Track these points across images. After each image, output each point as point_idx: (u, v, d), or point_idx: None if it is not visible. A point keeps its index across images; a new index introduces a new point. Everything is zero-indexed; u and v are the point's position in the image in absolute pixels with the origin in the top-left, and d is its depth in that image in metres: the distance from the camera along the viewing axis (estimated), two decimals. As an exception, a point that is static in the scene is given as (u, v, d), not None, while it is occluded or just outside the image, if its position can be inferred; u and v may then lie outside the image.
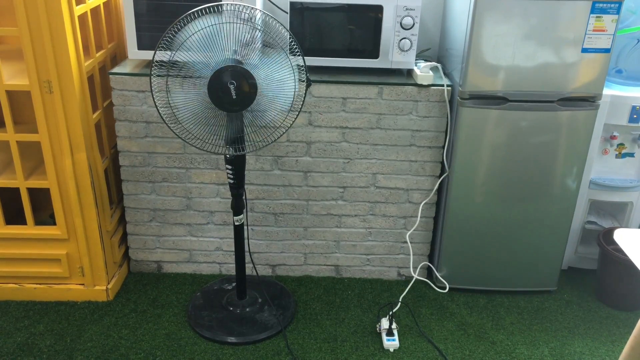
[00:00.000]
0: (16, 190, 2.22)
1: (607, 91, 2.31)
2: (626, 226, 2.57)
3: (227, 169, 2.04)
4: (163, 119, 1.88)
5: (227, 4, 1.78)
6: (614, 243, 2.36)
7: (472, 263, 2.44)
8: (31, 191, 2.22)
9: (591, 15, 2.05)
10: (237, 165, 2.03)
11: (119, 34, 2.47)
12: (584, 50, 2.10)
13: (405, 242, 2.50)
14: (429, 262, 2.56)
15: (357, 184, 2.39)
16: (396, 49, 2.22)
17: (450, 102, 2.25)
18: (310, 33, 2.21)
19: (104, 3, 2.31)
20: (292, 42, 1.84)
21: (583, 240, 2.63)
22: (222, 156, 2.33)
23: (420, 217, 2.44)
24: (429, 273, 2.57)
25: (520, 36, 2.07)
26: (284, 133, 2.06)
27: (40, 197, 2.49)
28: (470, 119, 2.20)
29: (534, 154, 2.24)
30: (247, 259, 2.50)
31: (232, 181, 2.06)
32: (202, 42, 1.78)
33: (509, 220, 2.35)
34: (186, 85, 1.83)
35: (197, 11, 1.76)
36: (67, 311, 2.29)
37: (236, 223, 2.15)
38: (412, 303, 2.41)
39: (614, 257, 2.36)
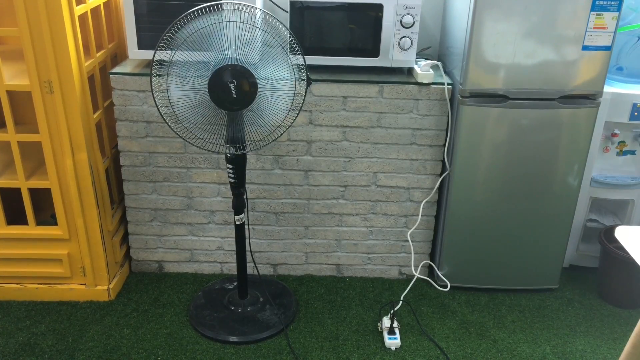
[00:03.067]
0: (17, 191, 2.22)
1: (607, 89, 2.31)
2: (627, 224, 2.57)
3: (227, 168, 2.04)
4: (164, 119, 1.88)
5: (227, 2, 1.78)
6: (615, 241, 2.36)
7: (473, 261, 2.44)
8: (32, 191, 2.22)
9: (592, 12, 2.05)
10: (237, 164, 2.03)
11: (120, 34, 2.47)
12: (585, 48, 2.10)
13: (407, 240, 2.50)
14: (430, 260, 2.56)
15: (358, 183, 2.39)
16: (396, 48, 2.22)
17: (451, 100, 2.25)
18: (311, 32, 2.21)
19: (104, 3, 2.31)
20: (292, 41, 1.84)
21: (584, 238, 2.63)
22: (223, 155, 2.33)
23: (421, 215, 2.44)
24: (430, 271, 2.57)
25: (521, 34, 2.07)
26: (284, 132, 2.06)
27: (41, 197, 2.49)
28: (471, 117, 2.20)
29: (534, 152, 2.24)
30: (249, 258, 2.50)
31: (233, 180, 2.06)
32: (202, 41, 1.78)
33: (510, 219, 2.35)
34: (186, 84, 1.83)
35: (197, 10, 1.76)
36: (68, 311, 2.29)
37: (237, 222, 2.15)
38: (414, 302, 2.41)
39: (616, 255, 2.36)
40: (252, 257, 2.52)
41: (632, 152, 2.47)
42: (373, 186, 2.40)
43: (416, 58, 2.33)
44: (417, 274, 2.55)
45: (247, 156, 2.31)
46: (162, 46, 1.78)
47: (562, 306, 2.43)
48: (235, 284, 2.43)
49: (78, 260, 2.29)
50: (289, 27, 2.13)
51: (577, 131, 2.22)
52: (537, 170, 2.27)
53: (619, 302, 2.43)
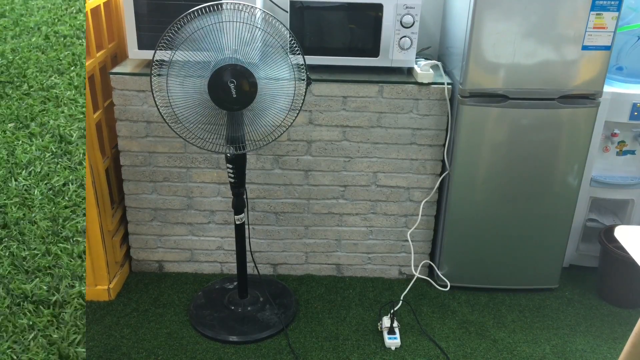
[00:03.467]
0: (17, 191, 2.22)
1: (607, 88, 2.30)
2: (627, 223, 2.57)
3: (227, 168, 2.04)
4: (164, 119, 1.88)
5: (227, 2, 1.78)
6: (615, 240, 2.35)
7: (473, 261, 2.44)
8: (32, 191, 2.22)
9: (591, 12, 2.05)
10: (237, 164, 2.03)
11: (120, 34, 2.47)
12: (585, 48, 2.10)
13: (407, 240, 2.50)
14: (430, 260, 2.56)
15: (358, 183, 2.39)
16: (396, 48, 2.22)
17: (451, 100, 2.25)
18: (310, 32, 2.21)
19: (104, 3, 2.31)
20: (292, 40, 1.84)
21: (584, 238, 2.63)
22: (223, 155, 2.33)
23: (421, 215, 2.44)
24: (430, 271, 2.57)
25: (521, 34, 2.07)
26: (284, 132, 2.06)
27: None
28: (471, 117, 2.20)
29: (534, 152, 2.24)
30: (249, 258, 2.50)
31: (232, 180, 2.06)
32: (202, 41, 1.78)
33: (510, 218, 2.35)
34: (186, 84, 1.83)
35: (197, 10, 1.77)
36: (68, 311, 2.29)
37: (237, 222, 2.15)
38: (414, 301, 2.41)
39: (616, 255, 2.36)
40: (252, 257, 2.52)
41: (632, 152, 2.47)
42: (373, 186, 2.40)
43: (416, 58, 2.33)
44: (417, 274, 2.55)
45: (247, 156, 2.31)
46: (162, 46, 1.78)
47: (562, 306, 2.43)
48: (235, 283, 2.42)
49: (78, 260, 2.29)
50: (289, 27, 2.13)
51: (577, 131, 2.22)
52: (537, 170, 2.27)
53: (619, 302, 2.43)
